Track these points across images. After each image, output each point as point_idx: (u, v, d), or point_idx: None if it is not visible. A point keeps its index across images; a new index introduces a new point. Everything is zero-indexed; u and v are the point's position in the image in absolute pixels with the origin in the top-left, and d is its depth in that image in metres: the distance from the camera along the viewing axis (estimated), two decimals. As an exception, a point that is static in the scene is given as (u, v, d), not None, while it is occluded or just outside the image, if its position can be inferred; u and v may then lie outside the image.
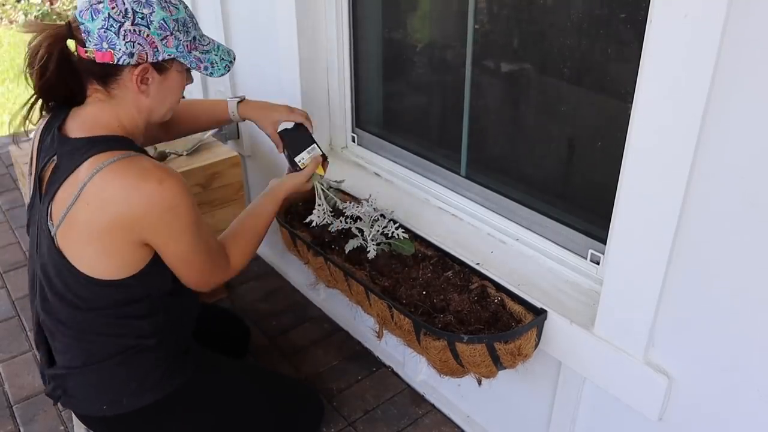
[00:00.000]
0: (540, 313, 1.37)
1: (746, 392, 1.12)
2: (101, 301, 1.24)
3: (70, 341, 1.30)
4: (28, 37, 1.21)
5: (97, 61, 1.17)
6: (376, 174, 1.99)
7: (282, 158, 2.27)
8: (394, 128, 2.02)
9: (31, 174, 1.31)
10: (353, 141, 2.10)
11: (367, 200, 1.59)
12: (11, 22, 6.88)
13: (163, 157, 2.18)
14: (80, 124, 1.23)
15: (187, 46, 1.24)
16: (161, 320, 1.32)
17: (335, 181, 1.62)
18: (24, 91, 1.29)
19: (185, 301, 1.40)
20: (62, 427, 1.88)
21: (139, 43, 1.17)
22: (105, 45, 1.15)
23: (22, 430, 1.88)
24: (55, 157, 1.21)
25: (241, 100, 1.64)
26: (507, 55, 1.60)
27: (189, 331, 1.45)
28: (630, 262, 1.20)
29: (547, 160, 1.59)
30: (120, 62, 1.17)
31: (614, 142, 1.28)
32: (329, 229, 1.60)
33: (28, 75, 1.21)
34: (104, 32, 1.15)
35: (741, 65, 0.95)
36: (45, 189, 1.23)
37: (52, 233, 1.20)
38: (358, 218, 1.61)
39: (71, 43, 1.22)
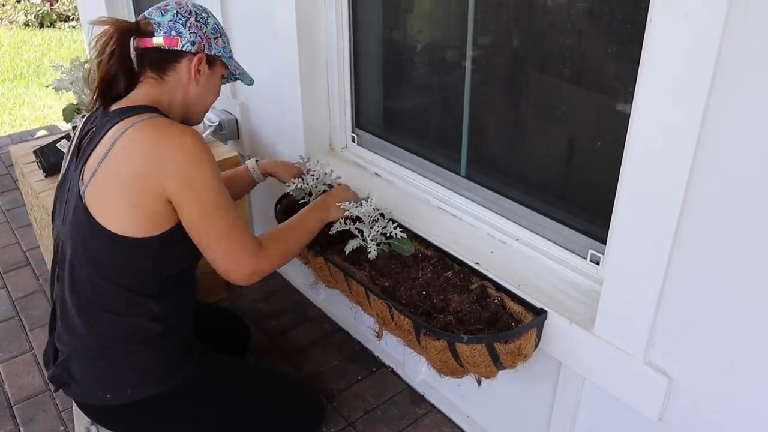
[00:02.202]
0: (540, 313, 1.37)
1: (746, 392, 1.12)
2: (118, 265, 1.29)
3: (82, 318, 1.32)
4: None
5: (165, 45, 1.35)
6: (376, 174, 1.99)
7: (281, 159, 2.28)
8: (395, 128, 2.02)
9: (70, 149, 1.41)
10: (353, 141, 2.10)
11: (367, 200, 1.59)
12: (11, 22, 6.88)
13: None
14: (124, 100, 1.36)
15: (229, 52, 1.47)
16: (170, 305, 1.36)
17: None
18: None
19: (190, 293, 1.45)
20: (62, 428, 1.88)
21: (199, 35, 1.38)
22: (173, 33, 1.35)
23: (22, 430, 1.88)
24: (94, 127, 1.34)
25: (257, 160, 1.81)
26: (507, 56, 1.60)
27: (191, 327, 1.47)
28: (630, 262, 1.20)
29: (547, 160, 1.59)
30: (183, 48, 1.36)
31: (614, 142, 1.28)
32: (330, 231, 1.60)
33: (95, 64, 1.36)
34: (173, 23, 1.36)
35: (741, 65, 0.95)
36: (80, 155, 1.33)
37: (81, 191, 1.27)
38: (358, 218, 1.61)
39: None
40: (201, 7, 1.43)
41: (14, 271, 2.63)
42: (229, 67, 1.47)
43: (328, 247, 1.65)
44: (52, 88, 2.38)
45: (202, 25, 1.39)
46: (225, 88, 2.40)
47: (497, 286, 1.46)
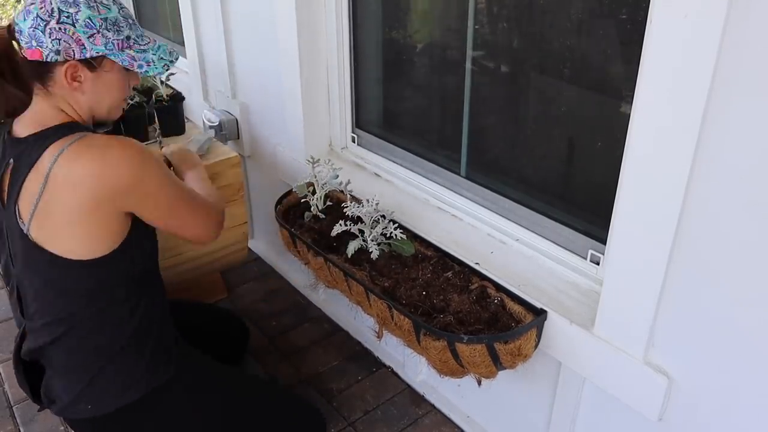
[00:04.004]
0: (540, 314, 1.37)
1: (746, 392, 1.12)
2: (88, 287, 1.25)
3: (55, 344, 1.30)
4: None
5: (28, 59, 1.20)
6: (376, 174, 1.99)
7: (281, 159, 2.30)
8: (394, 129, 2.02)
9: None
10: (353, 141, 2.10)
11: (368, 201, 1.59)
12: (11, 23, 6.87)
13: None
14: (28, 122, 1.23)
15: (118, 44, 1.25)
16: (141, 309, 1.33)
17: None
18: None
19: (158, 295, 1.41)
20: (62, 428, 1.88)
21: (64, 41, 1.19)
22: (34, 43, 1.18)
23: (22, 430, 1.88)
24: (11, 161, 1.22)
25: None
26: (507, 56, 1.60)
27: (169, 329, 1.44)
28: (630, 262, 1.20)
29: (547, 160, 1.59)
30: (48, 59, 1.19)
31: (614, 143, 1.28)
32: (331, 233, 1.60)
33: None
34: (33, 31, 1.18)
35: (741, 65, 0.95)
36: (7, 194, 1.23)
37: (25, 231, 1.20)
38: (359, 219, 1.61)
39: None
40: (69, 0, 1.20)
41: (14, 271, 2.63)
42: (119, 62, 1.26)
43: (328, 247, 1.65)
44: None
45: (68, 27, 1.18)
46: (225, 88, 2.40)
47: (497, 287, 1.46)
